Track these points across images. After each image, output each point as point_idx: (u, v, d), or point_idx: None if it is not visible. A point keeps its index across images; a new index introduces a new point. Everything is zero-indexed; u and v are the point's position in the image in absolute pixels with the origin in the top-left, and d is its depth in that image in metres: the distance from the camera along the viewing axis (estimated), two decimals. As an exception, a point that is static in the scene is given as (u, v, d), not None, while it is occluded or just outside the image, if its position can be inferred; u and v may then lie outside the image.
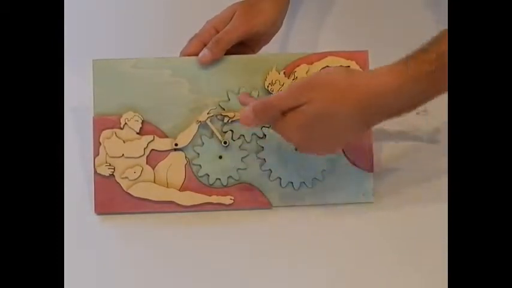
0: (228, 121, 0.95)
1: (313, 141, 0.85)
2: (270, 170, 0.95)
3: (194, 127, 0.95)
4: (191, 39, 0.96)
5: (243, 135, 0.95)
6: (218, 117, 0.95)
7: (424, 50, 0.82)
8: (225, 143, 0.94)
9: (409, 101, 0.82)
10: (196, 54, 0.95)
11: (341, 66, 0.94)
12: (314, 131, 0.84)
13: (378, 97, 0.82)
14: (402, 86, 0.81)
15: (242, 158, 0.95)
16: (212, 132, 0.95)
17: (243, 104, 0.88)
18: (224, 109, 0.95)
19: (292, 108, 0.83)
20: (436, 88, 0.81)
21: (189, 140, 0.95)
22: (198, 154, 0.95)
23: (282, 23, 0.99)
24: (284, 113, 0.84)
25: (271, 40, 0.99)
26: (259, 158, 0.95)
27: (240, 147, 0.95)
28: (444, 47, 0.80)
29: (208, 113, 0.94)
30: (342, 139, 0.86)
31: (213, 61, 0.94)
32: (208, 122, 0.94)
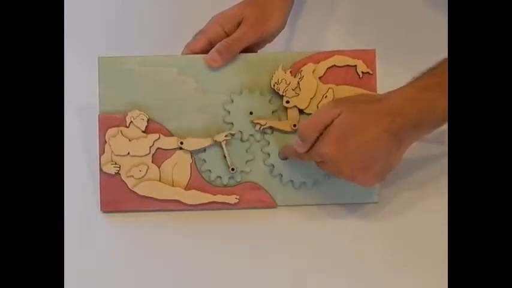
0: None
1: (349, 161, 0.86)
2: (276, 170, 0.95)
3: (208, 142, 0.94)
4: (196, 35, 0.96)
5: (252, 135, 0.95)
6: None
7: (431, 68, 0.87)
8: (232, 169, 0.94)
9: (428, 110, 0.86)
10: (202, 51, 0.95)
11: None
12: (349, 145, 0.85)
13: (400, 106, 0.86)
14: (418, 94, 0.86)
15: (248, 158, 0.95)
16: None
17: (286, 155, 0.94)
18: (229, 112, 0.94)
19: (327, 126, 0.87)
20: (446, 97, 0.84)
21: (197, 148, 0.94)
22: (204, 153, 0.95)
23: (286, 21, 0.98)
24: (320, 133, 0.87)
25: (278, 39, 0.98)
26: (264, 158, 0.95)
27: (246, 148, 0.95)
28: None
29: (226, 136, 0.94)
30: (379, 161, 0.87)
31: (223, 65, 0.94)
32: (223, 144, 0.94)
